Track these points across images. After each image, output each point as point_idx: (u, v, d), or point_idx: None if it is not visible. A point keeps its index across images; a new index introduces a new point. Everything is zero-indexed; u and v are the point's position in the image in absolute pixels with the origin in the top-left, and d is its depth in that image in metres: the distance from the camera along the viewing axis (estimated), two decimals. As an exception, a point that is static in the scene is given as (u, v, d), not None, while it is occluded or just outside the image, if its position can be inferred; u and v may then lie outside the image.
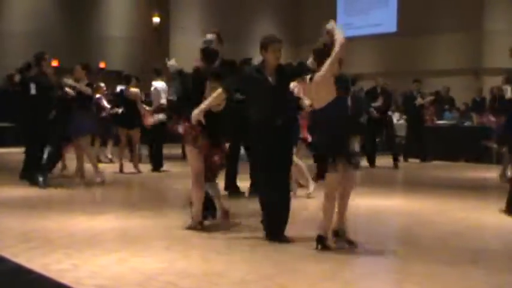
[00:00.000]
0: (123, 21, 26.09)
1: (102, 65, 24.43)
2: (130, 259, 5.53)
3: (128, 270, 5.18)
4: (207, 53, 7.09)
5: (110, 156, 14.36)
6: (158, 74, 12.96)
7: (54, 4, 24.82)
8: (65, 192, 9.54)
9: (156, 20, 25.87)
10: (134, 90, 12.39)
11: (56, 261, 5.38)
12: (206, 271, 5.18)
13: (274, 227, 6.20)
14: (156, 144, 12.70)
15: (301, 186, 9.80)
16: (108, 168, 12.83)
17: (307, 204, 8.80)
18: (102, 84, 14.00)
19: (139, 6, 26.30)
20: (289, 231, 6.35)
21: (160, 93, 12.74)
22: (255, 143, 6.33)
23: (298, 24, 28.29)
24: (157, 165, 12.58)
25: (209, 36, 8.16)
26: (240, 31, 25.76)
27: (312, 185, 9.31)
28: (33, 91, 10.06)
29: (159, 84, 12.80)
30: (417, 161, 15.32)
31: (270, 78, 6.16)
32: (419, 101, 15.03)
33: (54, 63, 24.04)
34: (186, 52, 27.15)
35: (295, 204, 6.79)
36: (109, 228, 6.94)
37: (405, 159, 15.27)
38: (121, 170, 12.27)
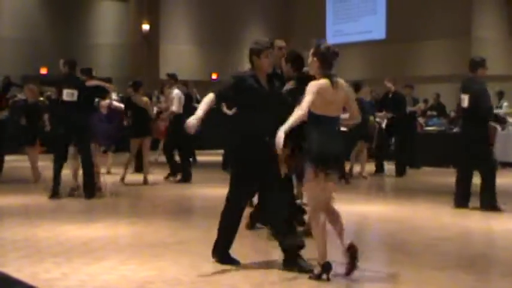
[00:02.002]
0: (112, 28, 26.06)
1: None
2: (120, 267, 5.51)
3: (117, 279, 5.17)
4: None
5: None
6: (176, 80, 12.80)
7: (44, 11, 24.76)
8: (55, 201, 9.49)
9: (146, 27, 25.85)
10: (145, 98, 12.02)
11: (45, 271, 5.35)
12: (196, 279, 5.18)
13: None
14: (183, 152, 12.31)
15: None
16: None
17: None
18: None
19: (129, 13, 26.28)
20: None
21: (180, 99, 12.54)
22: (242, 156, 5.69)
23: (287, 32, 28.31)
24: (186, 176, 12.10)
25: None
26: (229, 39, 25.79)
27: None
28: None
29: (177, 91, 12.57)
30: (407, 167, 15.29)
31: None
32: (409, 109, 14.99)
33: (43, 70, 24.04)
34: (175, 59, 27.26)
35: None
36: (98, 236, 6.91)
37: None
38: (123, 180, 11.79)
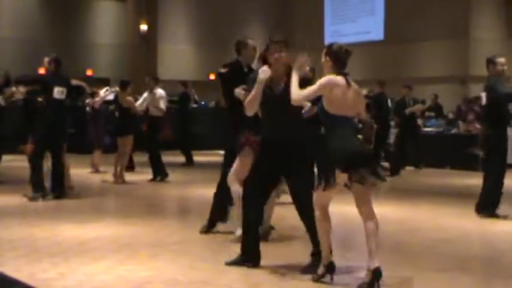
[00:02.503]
0: (110, 28, 26.04)
1: (89, 72, 24.37)
2: (118, 267, 5.50)
3: (115, 279, 5.16)
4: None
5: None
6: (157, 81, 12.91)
7: (42, 11, 24.75)
8: (50, 201, 9.46)
9: (144, 27, 25.84)
10: (130, 99, 12.09)
11: (42, 270, 5.34)
12: (194, 279, 5.17)
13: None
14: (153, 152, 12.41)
15: None
16: (96, 177, 12.78)
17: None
18: (99, 90, 13.79)
19: (127, 13, 26.26)
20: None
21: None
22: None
23: (286, 32, 28.32)
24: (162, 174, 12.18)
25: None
26: (227, 39, 25.76)
27: None
28: None
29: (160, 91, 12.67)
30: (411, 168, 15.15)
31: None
32: (409, 110, 14.95)
33: (42, 70, 24.01)
34: (173, 59, 27.24)
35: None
36: (96, 236, 6.90)
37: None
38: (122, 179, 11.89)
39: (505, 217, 8.18)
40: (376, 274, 4.87)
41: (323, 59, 5.18)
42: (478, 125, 15.71)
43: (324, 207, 5.18)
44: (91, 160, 13.58)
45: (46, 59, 9.91)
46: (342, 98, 5.01)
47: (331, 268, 5.10)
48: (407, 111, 14.85)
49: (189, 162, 15.45)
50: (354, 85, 5.15)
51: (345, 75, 5.11)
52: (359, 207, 5.12)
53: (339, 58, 5.11)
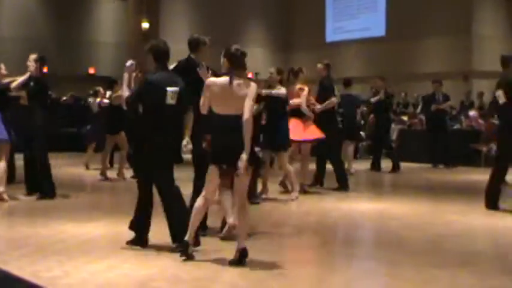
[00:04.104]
0: (112, 26, 26.07)
1: (91, 70, 24.40)
2: (122, 265, 5.52)
3: (119, 277, 5.17)
4: None
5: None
6: None
7: (44, 10, 24.78)
8: (53, 199, 9.48)
9: (146, 25, 25.84)
10: (119, 95, 12.10)
11: (46, 269, 5.36)
12: (197, 276, 5.18)
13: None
14: None
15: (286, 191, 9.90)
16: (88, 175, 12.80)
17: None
18: (101, 89, 13.81)
19: (129, 12, 26.27)
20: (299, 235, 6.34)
21: None
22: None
23: (287, 28, 28.32)
24: None
25: None
26: (229, 37, 25.75)
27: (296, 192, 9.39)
28: None
29: None
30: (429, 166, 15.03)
31: None
32: (434, 106, 14.84)
33: (44, 69, 24.03)
34: (175, 58, 27.19)
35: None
36: (100, 234, 6.92)
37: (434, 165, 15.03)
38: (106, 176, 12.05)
39: None
40: (242, 254, 5.45)
41: (222, 59, 5.65)
42: (480, 121, 15.73)
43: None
44: (86, 159, 13.73)
45: (34, 57, 9.47)
46: (220, 97, 5.46)
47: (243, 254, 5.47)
48: (433, 107, 14.74)
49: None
50: (244, 84, 5.47)
51: (230, 74, 5.49)
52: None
53: (236, 59, 5.55)
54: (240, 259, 5.45)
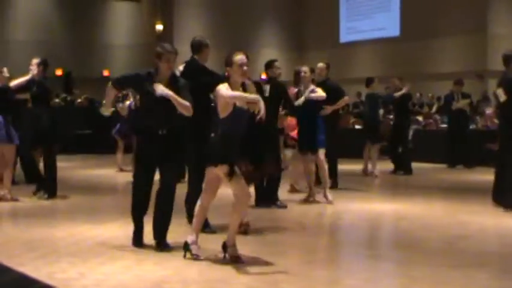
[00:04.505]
0: (126, 29, 26.19)
1: (105, 72, 24.51)
2: (135, 267, 5.54)
3: (133, 278, 5.20)
4: None
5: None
6: None
7: (58, 13, 24.95)
8: (68, 201, 9.54)
9: (159, 27, 25.95)
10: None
11: (61, 270, 5.39)
12: (211, 278, 5.19)
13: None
14: None
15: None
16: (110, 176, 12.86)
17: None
18: (129, 92, 13.77)
19: (143, 14, 26.40)
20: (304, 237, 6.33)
21: None
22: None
23: (301, 29, 28.32)
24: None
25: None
26: (242, 38, 25.80)
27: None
28: None
29: None
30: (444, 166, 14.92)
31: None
32: (455, 105, 14.77)
33: (59, 71, 24.20)
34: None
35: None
36: (113, 236, 6.94)
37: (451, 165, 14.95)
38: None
39: None
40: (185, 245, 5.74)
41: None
42: (496, 121, 15.59)
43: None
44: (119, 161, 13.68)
45: (37, 61, 9.58)
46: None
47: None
48: (454, 107, 14.67)
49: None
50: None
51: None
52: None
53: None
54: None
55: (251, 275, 5.25)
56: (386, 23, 25.39)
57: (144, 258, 5.87)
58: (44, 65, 9.58)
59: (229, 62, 5.71)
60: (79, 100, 20.94)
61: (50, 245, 6.44)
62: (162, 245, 6.15)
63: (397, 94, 13.52)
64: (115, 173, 13.45)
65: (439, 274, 5.33)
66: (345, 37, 26.62)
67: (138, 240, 6.36)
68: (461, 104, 14.70)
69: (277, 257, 5.87)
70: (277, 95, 8.64)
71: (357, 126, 17.33)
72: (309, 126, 9.09)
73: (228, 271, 5.39)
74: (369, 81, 12.99)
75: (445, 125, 16.54)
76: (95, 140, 18.52)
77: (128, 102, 13.28)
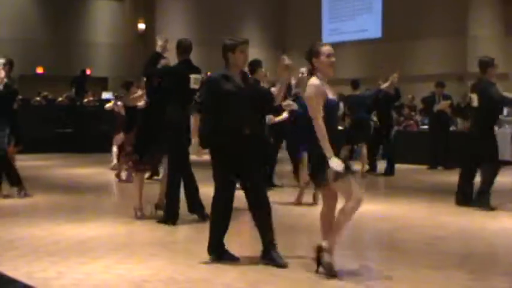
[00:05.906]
0: (108, 27, 26.03)
1: (87, 71, 24.36)
2: (116, 266, 5.51)
3: (114, 278, 5.17)
4: None
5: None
6: None
7: (39, 11, 24.74)
8: (49, 200, 9.48)
9: (142, 26, 25.83)
10: (135, 96, 11.88)
11: (41, 269, 5.35)
12: (193, 278, 5.18)
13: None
14: None
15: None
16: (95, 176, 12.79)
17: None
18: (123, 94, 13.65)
19: (125, 12, 26.26)
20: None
21: None
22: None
23: (283, 30, 28.34)
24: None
25: None
26: (225, 37, 25.74)
27: None
28: None
29: None
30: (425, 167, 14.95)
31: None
32: (436, 107, 14.82)
33: (40, 70, 24.02)
34: (171, 59, 27.17)
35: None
36: (95, 235, 6.91)
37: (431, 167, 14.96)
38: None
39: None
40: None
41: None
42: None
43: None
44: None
45: (4, 60, 9.50)
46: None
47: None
48: (435, 108, 14.73)
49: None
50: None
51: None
52: None
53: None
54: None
55: (232, 275, 5.24)
56: (368, 25, 25.50)
57: (125, 257, 5.84)
58: (10, 65, 9.53)
59: (315, 53, 5.25)
60: (60, 99, 20.79)
61: (30, 244, 6.40)
62: (275, 247, 5.65)
63: (384, 86, 13.47)
64: (99, 171, 13.31)
65: (420, 274, 5.36)
66: (327, 38, 26.67)
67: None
68: (442, 105, 14.78)
69: (258, 258, 5.86)
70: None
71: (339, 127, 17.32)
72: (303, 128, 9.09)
73: (208, 271, 5.38)
74: (355, 84, 12.96)
75: (425, 127, 16.62)
76: (76, 139, 18.43)
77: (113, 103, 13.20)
